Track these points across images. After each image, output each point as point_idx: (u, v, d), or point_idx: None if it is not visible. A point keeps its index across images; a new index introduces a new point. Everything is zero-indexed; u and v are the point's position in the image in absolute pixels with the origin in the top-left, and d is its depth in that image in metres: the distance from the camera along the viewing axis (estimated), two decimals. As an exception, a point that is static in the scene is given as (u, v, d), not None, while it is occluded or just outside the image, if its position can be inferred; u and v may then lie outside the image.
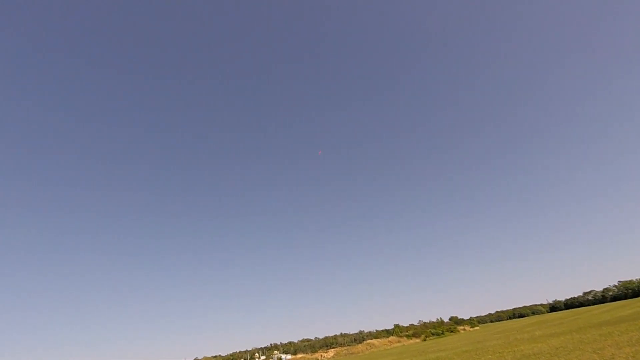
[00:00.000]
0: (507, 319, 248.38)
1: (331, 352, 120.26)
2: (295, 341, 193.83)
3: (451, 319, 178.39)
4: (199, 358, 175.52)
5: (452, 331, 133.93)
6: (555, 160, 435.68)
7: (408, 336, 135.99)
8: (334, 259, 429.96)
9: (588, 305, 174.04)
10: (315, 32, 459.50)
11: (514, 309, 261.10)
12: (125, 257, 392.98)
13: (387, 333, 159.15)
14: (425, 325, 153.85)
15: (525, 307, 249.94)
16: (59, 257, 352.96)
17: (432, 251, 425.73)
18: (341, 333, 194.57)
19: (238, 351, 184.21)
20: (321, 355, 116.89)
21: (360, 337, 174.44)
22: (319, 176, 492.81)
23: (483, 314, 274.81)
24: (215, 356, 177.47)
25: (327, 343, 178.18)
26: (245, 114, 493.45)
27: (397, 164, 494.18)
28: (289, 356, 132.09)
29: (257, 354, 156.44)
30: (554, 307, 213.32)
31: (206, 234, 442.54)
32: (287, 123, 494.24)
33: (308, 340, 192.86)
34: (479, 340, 50.47)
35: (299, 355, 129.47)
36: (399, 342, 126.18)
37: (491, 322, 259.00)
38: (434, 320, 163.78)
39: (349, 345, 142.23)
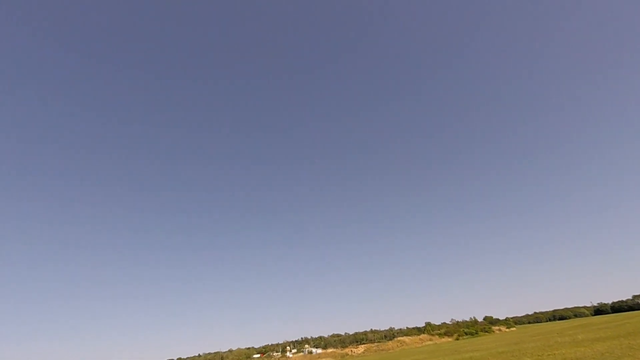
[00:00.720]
0: (547, 321, 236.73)
1: (361, 348, 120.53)
2: (326, 336, 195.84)
3: (485, 318, 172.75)
4: (233, 349, 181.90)
5: (486, 331, 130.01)
6: (606, 159, 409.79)
7: (440, 335, 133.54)
8: (366, 256, 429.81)
9: (638, 309, 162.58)
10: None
11: (554, 311, 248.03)
12: (162, 253, 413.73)
13: (419, 331, 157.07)
14: (458, 325, 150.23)
15: (566, 309, 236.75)
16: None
17: (465, 250, 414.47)
18: (371, 329, 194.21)
19: (270, 344, 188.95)
20: (351, 351, 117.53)
21: (390, 334, 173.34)
22: (355, 176, 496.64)
23: (520, 315, 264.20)
24: (249, 348, 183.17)
25: (357, 339, 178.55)
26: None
27: (435, 160, 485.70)
28: (319, 350, 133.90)
29: (288, 347, 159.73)
30: (599, 310, 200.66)
31: (245, 232, 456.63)
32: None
33: (338, 335, 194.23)
34: (516, 341, 48.89)
35: (329, 350, 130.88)
36: (430, 340, 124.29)
37: (529, 323, 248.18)
38: (467, 319, 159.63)
39: (379, 342, 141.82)
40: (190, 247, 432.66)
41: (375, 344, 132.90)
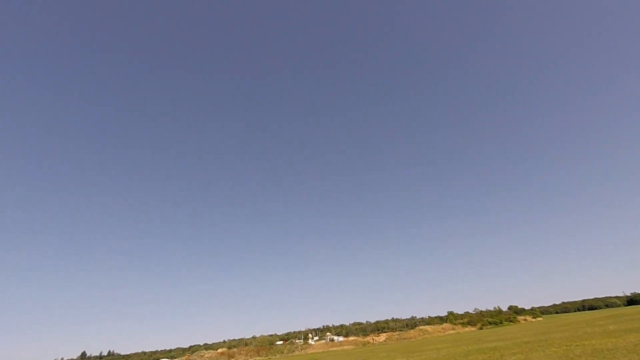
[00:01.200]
0: (575, 311, 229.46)
1: (382, 336, 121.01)
2: (347, 324, 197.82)
3: (510, 308, 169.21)
4: (257, 336, 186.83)
5: (511, 321, 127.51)
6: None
7: (463, 324, 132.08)
8: (388, 245, 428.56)
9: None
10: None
11: (584, 301, 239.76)
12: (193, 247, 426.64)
13: (441, 320, 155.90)
14: (481, 314, 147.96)
15: (597, 299, 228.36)
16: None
17: (489, 238, 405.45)
18: (392, 318, 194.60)
19: (292, 331, 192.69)
20: (372, 339, 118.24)
21: (412, 323, 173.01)
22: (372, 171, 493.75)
23: (547, 305, 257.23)
24: (272, 335, 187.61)
25: (379, 327, 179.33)
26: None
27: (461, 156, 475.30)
28: (341, 338, 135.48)
29: (310, 335, 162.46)
30: (632, 301, 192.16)
31: (268, 221, 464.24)
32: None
33: (359, 323, 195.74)
34: (542, 331, 47.59)
35: (351, 338, 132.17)
36: (453, 329, 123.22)
37: (556, 313, 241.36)
38: (491, 309, 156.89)
39: (401, 331, 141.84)
40: (216, 236, 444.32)
41: (397, 332, 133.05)
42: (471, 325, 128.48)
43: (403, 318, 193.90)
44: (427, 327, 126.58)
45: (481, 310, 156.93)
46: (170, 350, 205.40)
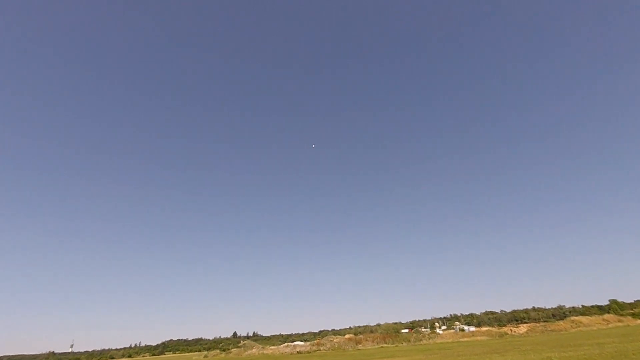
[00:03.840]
0: None
1: (523, 327, 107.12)
2: (478, 313, 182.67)
3: None
4: (381, 323, 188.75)
5: None
6: None
7: (634, 315, 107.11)
8: (529, 225, 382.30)
9: None
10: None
11: None
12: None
13: (600, 310, 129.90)
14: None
15: None
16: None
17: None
18: (533, 307, 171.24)
19: (417, 319, 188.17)
20: (511, 330, 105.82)
21: (560, 313, 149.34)
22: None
23: None
24: (396, 322, 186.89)
25: (517, 317, 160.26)
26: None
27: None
28: (472, 328, 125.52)
29: (437, 324, 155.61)
30: None
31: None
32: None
33: (493, 313, 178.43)
34: None
35: (484, 328, 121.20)
36: (620, 322, 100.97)
37: None
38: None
39: (546, 322, 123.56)
40: (341, 226, 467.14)
41: (541, 323, 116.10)
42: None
43: (547, 307, 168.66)
44: (582, 318, 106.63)
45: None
46: (303, 334, 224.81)
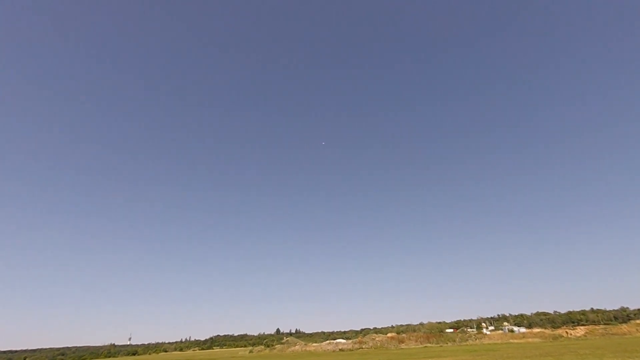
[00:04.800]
0: None
1: (580, 330, 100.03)
2: (528, 314, 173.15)
3: None
4: (424, 322, 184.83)
5: None
6: None
7: None
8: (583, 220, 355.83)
9: None
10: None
11: None
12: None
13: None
14: None
15: None
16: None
17: None
18: (592, 308, 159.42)
19: (462, 319, 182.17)
20: (566, 332, 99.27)
21: (623, 315, 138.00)
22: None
23: None
24: (440, 322, 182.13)
25: (572, 319, 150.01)
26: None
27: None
28: (522, 329, 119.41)
29: (484, 324, 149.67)
30: None
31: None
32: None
33: (545, 314, 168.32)
34: None
35: (536, 330, 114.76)
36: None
37: None
38: None
39: (607, 324, 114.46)
40: (378, 227, 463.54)
41: (601, 326, 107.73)
42: None
43: (608, 309, 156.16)
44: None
45: None
46: (345, 332, 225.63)
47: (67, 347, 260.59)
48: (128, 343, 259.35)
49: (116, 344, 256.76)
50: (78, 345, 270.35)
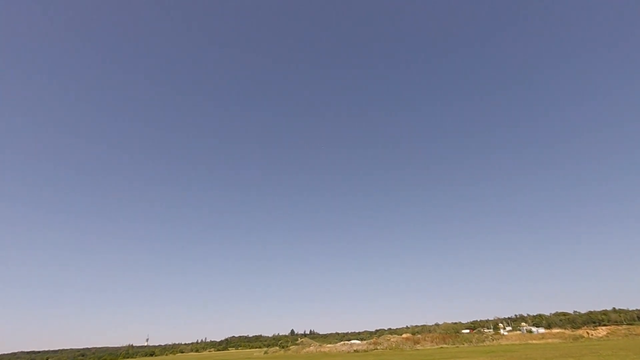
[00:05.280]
0: None
1: (602, 330, 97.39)
2: (547, 314, 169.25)
3: None
4: (440, 323, 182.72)
5: None
6: None
7: None
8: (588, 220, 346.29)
9: None
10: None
11: None
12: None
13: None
14: None
15: None
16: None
17: None
18: (614, 308, 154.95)
19: (479, 320, 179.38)
20: (587, 333, 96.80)
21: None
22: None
23: None
24: (456, 322, 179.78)
25: (593, 319, 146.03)
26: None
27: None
28: (541, 329, 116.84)
29: (500, 324, 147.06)
30: None
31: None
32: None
33: (565, 314, 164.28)
34: None
35: (555, 330, 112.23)
36: None
37: None
38: None
39: (630, 325, 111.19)
40: (393, 228, 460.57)
41: (624, 326, 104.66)
42: None
43: (631, 309, 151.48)
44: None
45: None
46: (359, 333, 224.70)
47: (87, 348, 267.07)
48: (146, 344, 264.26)
49: (134, 345, 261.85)
50: (98, 346, 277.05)
